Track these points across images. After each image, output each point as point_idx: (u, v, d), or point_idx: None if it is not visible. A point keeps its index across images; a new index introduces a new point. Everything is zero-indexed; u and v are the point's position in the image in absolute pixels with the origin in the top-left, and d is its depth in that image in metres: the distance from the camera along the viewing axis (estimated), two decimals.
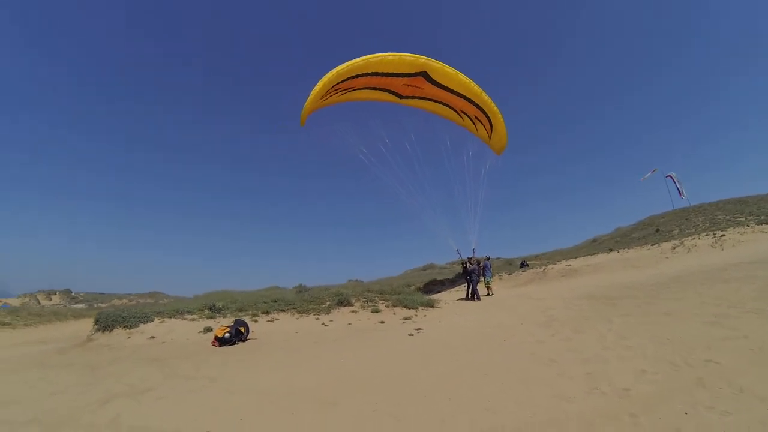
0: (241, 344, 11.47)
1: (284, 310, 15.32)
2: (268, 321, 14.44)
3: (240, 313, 14.78)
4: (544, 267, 27.67)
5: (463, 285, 27.03)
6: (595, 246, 36.62)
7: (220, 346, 11.23)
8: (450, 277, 32.76)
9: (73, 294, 60.23)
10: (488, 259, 23.39)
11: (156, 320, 13.77)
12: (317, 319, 14.70)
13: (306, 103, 17.62)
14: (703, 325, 8.37)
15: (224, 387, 7.39)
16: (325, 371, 8.18)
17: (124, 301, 47.98)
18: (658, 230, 32.39)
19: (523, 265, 31.84)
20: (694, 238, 23.51)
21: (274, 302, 16.10)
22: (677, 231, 29.97)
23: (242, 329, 11.96)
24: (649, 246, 25.79)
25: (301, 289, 21.00)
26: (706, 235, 23.74)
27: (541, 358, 7.78)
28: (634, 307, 11.34)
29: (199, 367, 8.86)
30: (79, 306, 44.41)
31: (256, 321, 14.25)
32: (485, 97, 20.55)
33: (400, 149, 21.08)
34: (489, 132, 22.30)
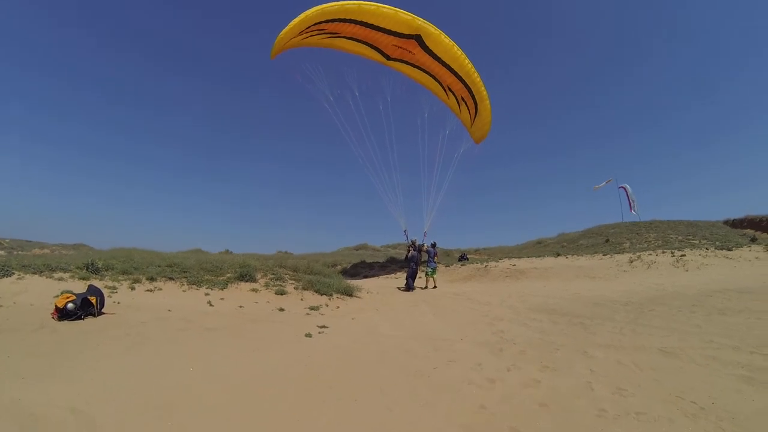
0: (90, 320, 8.59)
1: (173, 279, 12.88)
2: (148, 290, 11.83)
3: (122, 276, 12.40)
4: (485, 263, 25.91)
5: (396, 272, 25.51)
6: (540, 248, 35.91)
7: (60, 319, 8.37)
8: (381, 260, 30.36)
9: None
10: (434, 245, 20.63)
11: (15, 275, 11.07)
12: (207, 294, 12.16)
13: (281, 33, 15.70)
14: (736, 381, 5.94)
15: None
16: (148, 391, 5.35)
17: (46, 251, 43.74)
18: (607, 240, 32.24)
19: (463, 258, 29.63)
20: (650, 254, 22.85)
21: (169, 267, 13.73)
22: (628, 244, 30.16)
23: (92, 300, 8.94)
24: (601, 256, 24.84)
25: (222, 255, 19.52)
26: (663, 252, 22.73)
27: (499, 423, 4.91)
28: (614, 335, 8.68)
29: None
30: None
31: (133, 289, 11.71)
32: (476, 77, 18.88)
33: (371, 109, 19.69)
34: (472, 117, 20.62)
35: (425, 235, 20.78)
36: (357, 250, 43.46)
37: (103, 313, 9.14)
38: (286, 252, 37.24)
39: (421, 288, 19.10)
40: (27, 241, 54.80)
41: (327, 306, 12.66)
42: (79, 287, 10.51)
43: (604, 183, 44.05)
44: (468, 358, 7.49)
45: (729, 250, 22.87)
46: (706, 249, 23.67)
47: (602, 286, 16.93)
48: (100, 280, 11.91)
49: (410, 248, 19.81)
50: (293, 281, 14.60)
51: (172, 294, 11.85)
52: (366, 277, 25.77)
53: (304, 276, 15.41)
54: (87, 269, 12.41)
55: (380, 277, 24.86)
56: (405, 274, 19.10)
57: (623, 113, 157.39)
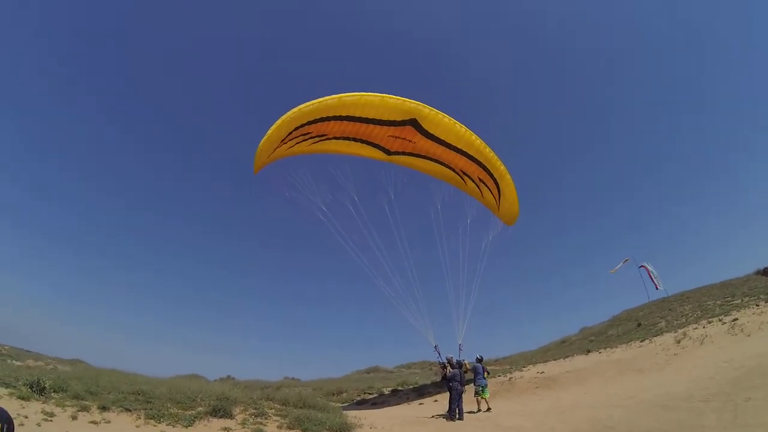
0: None
1: (131, 410, 10.98)
2: (92, 422, 10.00)
3: (71, 401, 10.91)
4: (509, 375, 22.93)
5: (410, 397, 22.59)
6: (565, 348, 33.14)
7: None
8: (393, 384, 27.84)
9: None
10: (480, 360, 17.74)
11: None
12: None
13: (260, 143, 14.42)
14: None
15: None
16: None
17: (40, 363, 41.52)
18: (640, 324, 29.67)
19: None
20: (696, 328, 19.81)
21: (133, 394, 12.07)
22: (664, 323, 27.18)
23: None
24: (639, 343, 22.11)
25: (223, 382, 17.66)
26: (709, 322, 19.56)
27: None
28: None
29: None
30: None
31: (75, 418, 9.96)
32: (490, 153, 17.05)
33: (373, 210, 17.59)
34: (497, 198, 18.48)
35: (461, 349, 17.53)
36: (368, 373, 40.82)
37: None
38: (293, 378, 35.95)
39: (474, 412, 16.05)
40: (27, 350, 54.39)
41: None
42: (14, 407, 9.37)
43: (620, 264, 42.66)
44: None
45: None
46: (756, 305, 20.88)
47: (657, 379, 13.89)
48: (43, 403, 10.43)
49: (446, 367, 16.60)
50: (278, 417, 12.38)
51: (119, 429, 9.93)
52: (375, 405, 22.85)
53: (293, 410, 13.19)
54: (31, 388, 10.92)
55: (392, 405, 21.78)
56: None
57: (606, 189, 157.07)
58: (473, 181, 17.92)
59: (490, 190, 18.09)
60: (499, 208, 18.73)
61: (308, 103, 14.35)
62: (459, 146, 16.53)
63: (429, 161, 17.36)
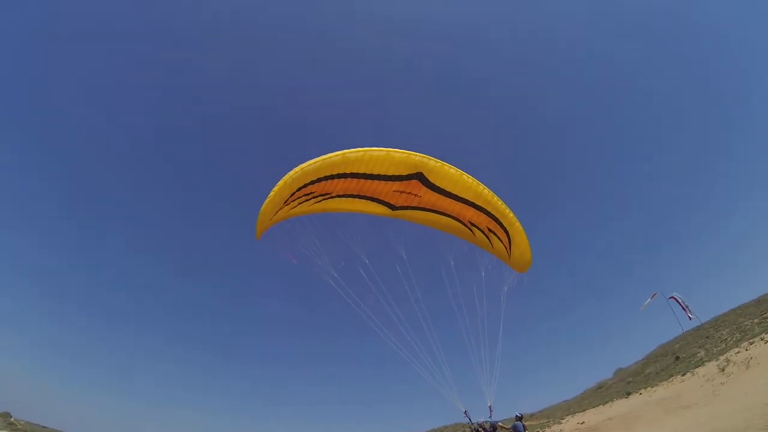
0: None
1: None
2: None
3: None
4: (547, 429, 22.98)
5: None
6: (602, 393, 31.23)
7: None
8: None
9: (11, 419, 51.37)
10: (520, 419, 16.80)
11: None
12: None
13: (262, 207, 13.96)
14: None
15: None
16: None
17: None
18: (678, 357, 27.97)
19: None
20: (739, 351, 18.03)
21: None
22: (703, 352, 25.82)
23: None
24: (681, 377, 21.15)
25: None
26: (751, 343, 18.23)
27: None
28: None
29: None
30: None
31: None
32: (498, 202, 16.71)
33: (384, 271, 16.83)
34: (507, 247, 17.99)
35: (491, 411, 16.46)
36: None
37: None
38: None
39: None
40: (43, 426, 53.28)
41: None
42: None
43: (649, 299, 42.16)
44: None
45: None
46: None
47: (708, 413, 12.64)
48: None
49: (479, 431, 15.80)
50: None
51: None
52: None
53: None
54: None
55: None
56: None
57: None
58: (482, 231, 17.51)
59: (499, 239, 17.64)
60: (510, 256, 18.18)
61: (310, 162, 14.00)
62: (467, 197, 16.22)
63: (435, 214, 17.00)
